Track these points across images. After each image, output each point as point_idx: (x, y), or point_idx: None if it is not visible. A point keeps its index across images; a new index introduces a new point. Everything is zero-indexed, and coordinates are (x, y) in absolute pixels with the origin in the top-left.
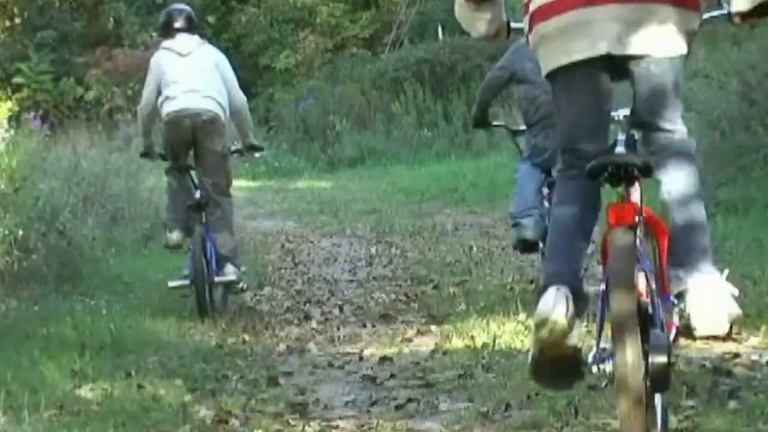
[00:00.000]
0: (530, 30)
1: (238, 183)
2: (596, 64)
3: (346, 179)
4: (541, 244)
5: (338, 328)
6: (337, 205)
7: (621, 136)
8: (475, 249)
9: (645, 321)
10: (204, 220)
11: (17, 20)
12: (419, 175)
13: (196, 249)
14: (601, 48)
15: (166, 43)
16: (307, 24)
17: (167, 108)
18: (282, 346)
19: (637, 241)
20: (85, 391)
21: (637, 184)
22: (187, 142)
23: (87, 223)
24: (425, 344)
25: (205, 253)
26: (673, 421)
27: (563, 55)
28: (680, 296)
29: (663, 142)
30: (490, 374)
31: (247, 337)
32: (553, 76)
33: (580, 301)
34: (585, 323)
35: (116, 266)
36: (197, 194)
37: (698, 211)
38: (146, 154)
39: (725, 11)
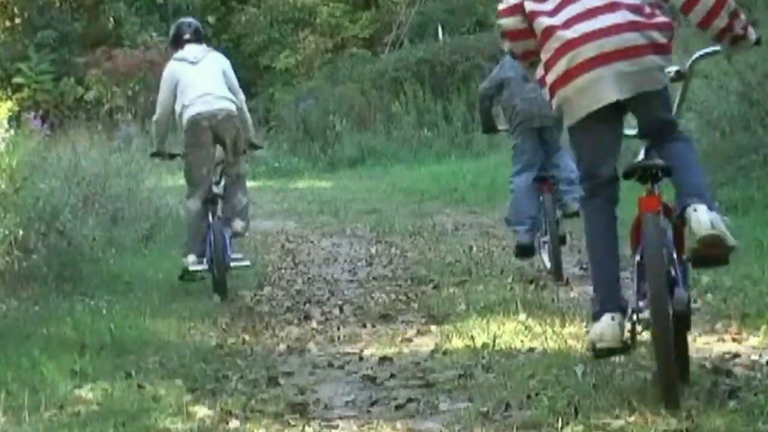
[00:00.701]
0: (552, 95)
1: None
2: (608, 108)
3: (346, 179)
4: (538, 249)
5: (338, 328)
6: (337, 205)
7: (643, 148)
8: (475, 249)
9: (670, 281)
10: (220, 213)
11: (17, 20)
12: (419, 175)
13: (213, 238)
14: (612, 97)
15: (178, 54)
16: (307, 24)
17: (186, 115)
18: (282, 346)
19: (661, 223)
20: (85, 391)
21: (658, 182)
22: (209, 142)
23: (87, 223)
24: (425, 344)
25: (222, 242)
26: (673, 421)
27: (583, 110)
28: (686, 218)
29: (669, 148)
30: (490, 374)
31: (247, 337)
32: (575, 125)
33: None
34: (584, 322)
35: (116, 266)
36: (215, 188)
37: (699, 170)
38: (158, 153)
39: (717, 48)
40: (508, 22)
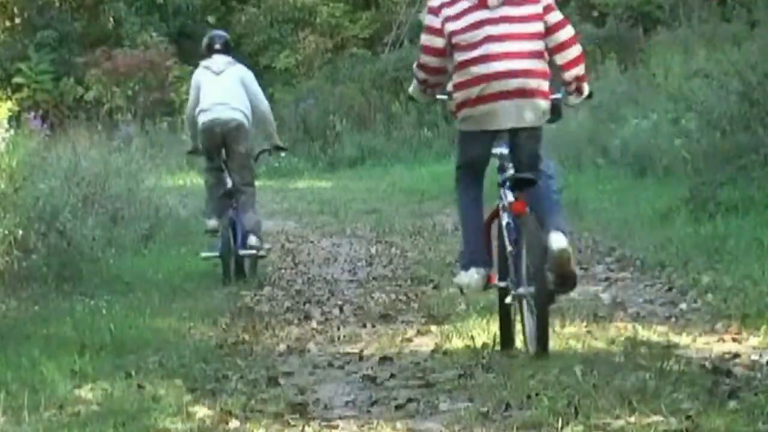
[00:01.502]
0: (458, 111)
1: None
2: (493, 132)
3: (346, 179)
4: None
5: (338, 328)
6: (337, 205)
7: (510, 164)
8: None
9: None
10: (234, 205)
11: (17, 20)
12: (419, 175)
13: (225, 229)
14: (506, 125)
15: (205, 62)
16: (307, 24)
17: (202, 118)
18: (282, 346)
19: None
20: (85, 391)
21: (526, 191)
22: (219, 145)
23: (87, 223)
24: (425, 344)
25: (234, 232)
26: (673, 421)
27: (482, 127)
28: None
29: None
30: (490, 374)
31: (247, 337)
32: (466, 132)
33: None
34: (584, 322)
35: (116, 266)
36: (228, 185)
37: (557, 202)
38: (193, 151)
39: (558, 96)
40: (431, 61)
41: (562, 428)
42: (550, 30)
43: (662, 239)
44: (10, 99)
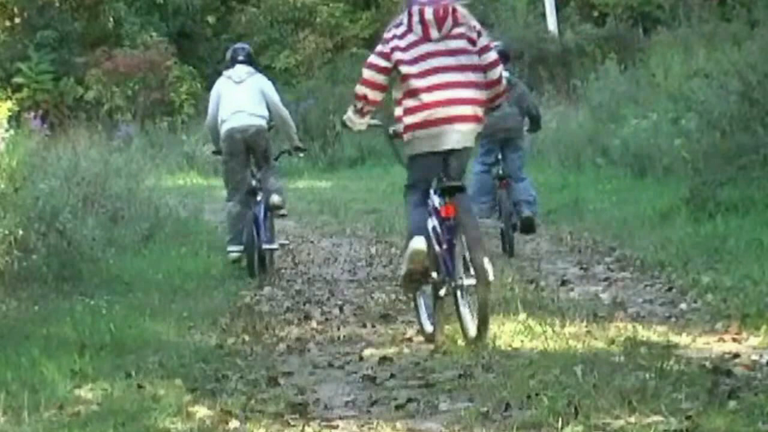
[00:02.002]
0: (405, 132)
1: None
2: (441, 153)
3: (346, 179)
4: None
5: (338, 328)
6: (337, 205)
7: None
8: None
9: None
10: (256, 202)
11: (17, 20)
12: None
13: (249, 226)
14: (448, 146)
15: (227, 72)
16: (307, 24)
17: (224, 127)
18: (282, 346)
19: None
20: (85, 391)
21: (455, 196)
22: (241, 150)
23: (87, 223)
24: (425, 344)
25: (257, 229)
26: (673, 421)
27: (428, 148)
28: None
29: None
30: (490, 374)
31: (247, 337)
32: (417, 155)
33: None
34: (584, 322)
35: (116, 266)
36: (252, 182)
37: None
38: (217, 152)
39: None
40: (374, 77)
41: (562, 428)
42: (487, 67)
43: (662, 239)
44: (10, 99)
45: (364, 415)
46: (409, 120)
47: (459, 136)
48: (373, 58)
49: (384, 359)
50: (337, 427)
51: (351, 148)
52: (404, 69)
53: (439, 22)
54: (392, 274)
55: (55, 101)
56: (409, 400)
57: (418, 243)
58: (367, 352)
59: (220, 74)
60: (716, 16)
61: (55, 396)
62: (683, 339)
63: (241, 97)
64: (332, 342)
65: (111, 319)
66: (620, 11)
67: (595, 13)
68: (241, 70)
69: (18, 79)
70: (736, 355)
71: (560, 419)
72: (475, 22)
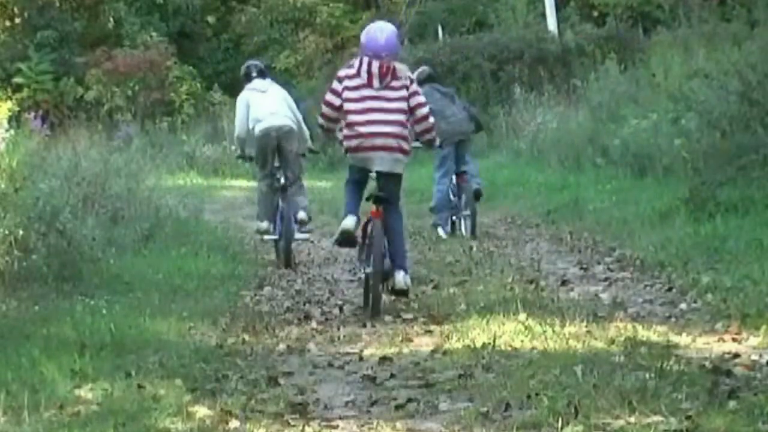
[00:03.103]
0: (346, 152)
1: (238, 183)
2: (370, 173)
3: None
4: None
5: (338, 328)
6: (337, 205)
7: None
8: (475, 249)
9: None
10: (286, 197)
11: (17, 20)
12: (419, 175)
13: (282, 216)
14: (379, 168)
15: (250, 85)
16: (307, 24)
17: (258, 127)
18: (282, 346)
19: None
20: (85, 391)
21: (382, 205)
22: (274, 147)
23: (87, 223)
24: (425, 344)
25: (288, 220)
26: (674, 421)
27: (360, 165)
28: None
29: (391, 206)
30: (490, 374)
31: (247, 337)
32: (352, 166)
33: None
34: (584, 322)
35: (116, 266)
36: (281, 180)
37: (402, 229)
38: (242, 156)
39: (419, 144)
40: (330, 112)
41: (562, 428)
42: (412, 109)
43: (662, 239)
44: (10, 99)
45: (364, 415)
46: (347, 144)
47: (383, 161)
48: (328, 96)
49: (384, 359)
50: (337, 427)
51: None
52: (348, 105)
53: (382, 76)
54: None
55: (55, 101)
56: (409, 400)
57: (348, 222)
58: (367, 352)
59: (219, 74)
60: (716, 16)
61: (55, 396)
62: (683, 339)
63: (273, 102)
64: (332, 342)
65: (111, 319)
66: (620, 11)
67: (595, 13)
68: (262, 82)
69: (18, 79)
70: (736, 355)
71: (560, 419)
72: (408, 74)
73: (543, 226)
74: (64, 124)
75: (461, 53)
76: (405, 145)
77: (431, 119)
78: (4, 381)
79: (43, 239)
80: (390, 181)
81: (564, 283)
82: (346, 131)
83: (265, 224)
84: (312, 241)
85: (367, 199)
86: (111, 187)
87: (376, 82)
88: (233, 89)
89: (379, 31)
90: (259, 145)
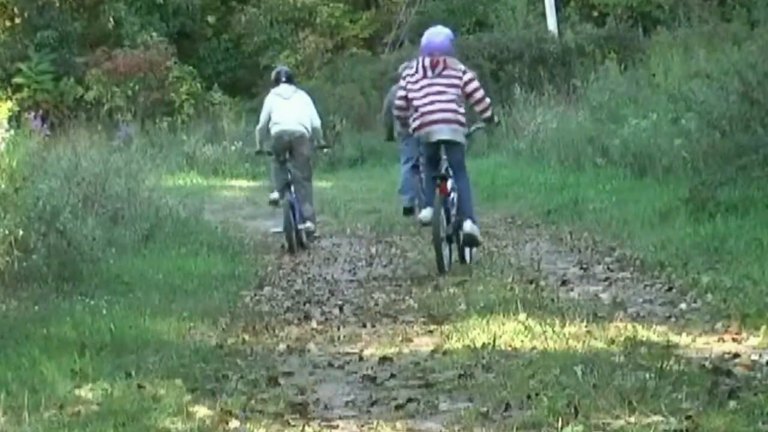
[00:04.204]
0: (415, 129)
1: (238, 183)
2: (438, 145)
3: (346, 179)
4: (416, 210)
5: (338, 328)
6: (337, 205)
7: (444, 164)
8: (475, 249)
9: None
10: (292, 191)
11: (17, 20)
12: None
13: (287, 210)
14: (440, 137)
15: (276, 90)
16: (307, 24)
17: (275, 129)
18: (282, 346)
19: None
20: (85, 391)
21: (448, 180)
22: (286, 148)
23: (87, 223)
24: (425, 344)
25: (293, 213)
26: (673, 421)
27: (428, 139)
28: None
29: (458, 171)
30: (490, 374)
31: (247, 337)
32: (425, 144)
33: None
34: (584, 322)
35: (116, 266)
36: (289, 176)
37: (469, 191)
38: (259, 152)
39: (480, 125)
40: (401, 103)
41: (562, 428)
42: (470, 94)
43: (662, 239)
44: (10, 99)
45: (364, 415)
46: (414, 124)
47: (442, 131)
48: (399, 92)
49: (384, 359)
50: (337, 427)
51: (351, 148)
52: (411, 95)
53: (433, 67)
54: (392, 274)
55: (55, 101)
56: (409, 400)
57: (426, 213)
58: (367, 352)
59: (219, 74)
60: (716, 16)
61: (55, 396)
62: (683, 339)
63: (292, 109)
64: (332, 342)
65: (111, 319)
66: (620, 11)
67: (595, 13)
68: (287, 88)
69: (18, 79)
70: (736, 355)
71: (560, 419)
72: (461, 66)
73: (543, 226)
74: (64, 124)
75: (461, 53)
76: (461, 118)
77: (487, 99)
78: (4, 381)
79: (43, 239)
80: (452, 149)
81: (564, 283)
82: (414, 115)
83: (275, 194)
84: (317, 237)
85: (434, 178)
86: (111, 187)
87: (429, 72)
88: (233, 89)
89: (436, 35)
90: (275, 144)
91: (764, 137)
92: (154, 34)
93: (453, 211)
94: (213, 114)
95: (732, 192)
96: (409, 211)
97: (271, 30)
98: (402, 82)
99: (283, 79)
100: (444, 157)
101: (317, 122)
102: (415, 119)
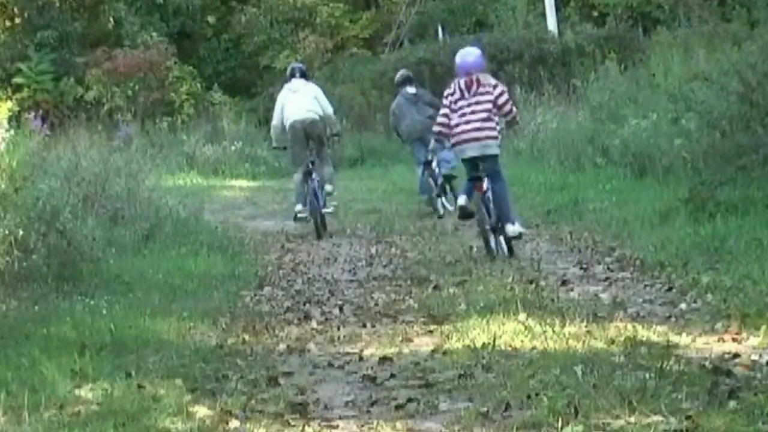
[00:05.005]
0: (453, 145)
1: (238, 183)
2: (474, 158)
3: (346, 179)
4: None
5: (338, 328)
6: (337, 205)
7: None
8: (475, 249)
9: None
10: (314, 178)
11: (17, 20)
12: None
13: (312, 196)
14: (472, 154)
15: (288, 85)
16: (307, 24)
17: (289, 121)
18: (282, 346)
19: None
20: (85, 391)
21: (484, 180)
22: (302, 136)
23: (87, 223)
24: (425, 344)
25: (317, 198)
26: (673, 421)
27: (463, 155)
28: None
29: (493, 177)
30: (490, 374)
31: (247, 337)
32: (465, 160)
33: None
34: (584, 322)
35: (116, 266)
36: (309, 166)
37: (506, 193)
38: (276, 147)
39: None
40: (443, 120)
41: (562, 428)
42: (500, 106)
43: (662, 239)
44: (10, 99)
45: (364, 415)
46: (453, 140)
47: (473, 148)
48: (442, 110)
49: (384, 359)
50: (337, 427)
51: (351, 148)
52: (451, 114)
53: (468, 88)
54: (392, 274)
55: (55, 101)
56: (409, 400)
57: (461, 200)
58: (367, 352)
59: (219, 74)
60: (716, 16)
61: (55, 396)
62: (683, 339)
63: (300, 100)
64: (332, 342)
65: (111, 319)
66: (620, 11)
67: (595, 13)
68: (297, 83)
69: (18, 79)
70: (736, 355)
71: (560, 419)
72: (492, 81)
73: (543, 226)
74: (64, 124)
75: None
76: (493, 133)
77: (514, 109)
78: (4, 381)
79: (43, 239)
80: (486, 160)
81: (564, 283)
82: (452, 130)
83: (300, 207)
84: (312, 242)
85: (471, 180)
86: (111, 187)
87: (466, 94)
88: (233, 89)
89: (468, 55)
90: (291, 135)
91: (764, 137)
92: (154, 34)
93: (491, 206)
94: (213, 114)
95: (732, 192)
96: (430, 202)
97: (271, 30)
98: (444, 101)
99: (297, 75)
100: (480, 166)
101: (330, 110)
102: (453, 136)
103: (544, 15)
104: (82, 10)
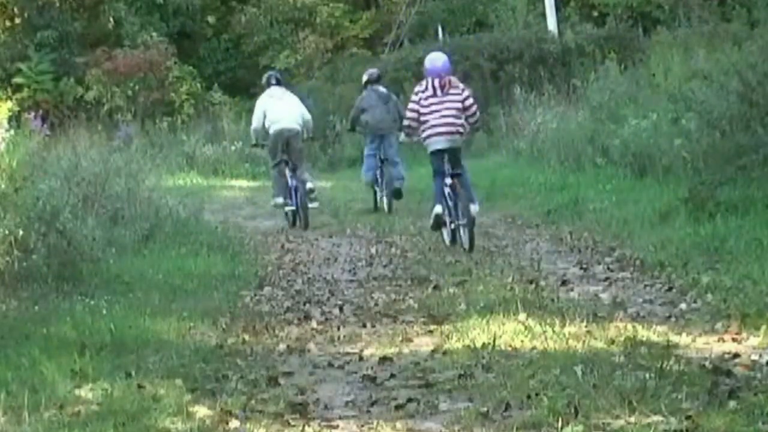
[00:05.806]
0: (425, 140)
1: (238, 183)
2: (442, 150)
3: (346, 179)
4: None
5: (338, 328)
6: (337, 205)
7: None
8: (475, 249)
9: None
10: (297, 177)
11: (17, 20)
12: (419, 175)
13: (296, 191)
14: (443, 146)
15: (268, 92)
16: (307, 24)
17: (274, 127)
18: (282, 346)
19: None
20: (85, 391)
21: (447, 176)
22: (284, 143)
23: (87, 223)
24: (425, 344)
25: (302, 194)
26: (673, 421)
27: (435, 147)
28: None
29: (458, 167)
30: (490, 374)
31: (247, 337)
32: (432, 153)
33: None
34: (584, 322)
35: (116, 266)
36: (290, 166)
37: (469, 181)
38: (256, 145)
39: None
40: (413, 116)
41: (562, 428)
42: (467, 107)
43: (662, 239)
44: (10, 99)
45: (364, 415)
46: (425, 134)
47: (446, 141)
48: (411, 105)
49: (384, 359)
50: (337, 427)
51: (351, 148)
52: (423, 110)
53: (441, 87)
54: (392, 274)
55: (55, 101)
56: (409, 400)
57: (438, 209)
58: (367, 352)
59: (219, 74)
60: (716, 16)
61: (55, 396)
62: (683, 339)
63: (287, 108)
64: (332, 342)
65: (111, 319)
66: (620, 11)
67: (595, 13)
68: (278, 90)
69: (18, 79)
70: (736, 355)
71: (560, 419)
72: (460, 85)
73: (543, 226)
74: (64, 124)
75: (461, 53)
76: (460, 129)
77: (477, 112)
78: (4, 381)
79: (43, 239)
80: (454, 153)
81: (564, 283)
82: (423, 127)
83: (280, 199)
84: (312, 242)
85: (437, 175)
86: (111, 187)
87: (439, 92)
88: (233, 89)
89: (437, 60)
90: (273, 139)
91: (764, 137)
92: (154, 34)
93: (458, 201)
94: (213, 114)
95: (732, 192)
96: (372, 185)
97: (271, 30)
98: (414, 98)
99: (273, 82)
100: (446, 158)
101: (308, 116)
102: (424, 130)
103: (544, 15)
104: (82, 10)
